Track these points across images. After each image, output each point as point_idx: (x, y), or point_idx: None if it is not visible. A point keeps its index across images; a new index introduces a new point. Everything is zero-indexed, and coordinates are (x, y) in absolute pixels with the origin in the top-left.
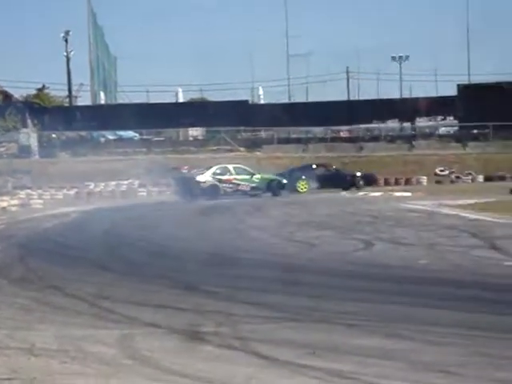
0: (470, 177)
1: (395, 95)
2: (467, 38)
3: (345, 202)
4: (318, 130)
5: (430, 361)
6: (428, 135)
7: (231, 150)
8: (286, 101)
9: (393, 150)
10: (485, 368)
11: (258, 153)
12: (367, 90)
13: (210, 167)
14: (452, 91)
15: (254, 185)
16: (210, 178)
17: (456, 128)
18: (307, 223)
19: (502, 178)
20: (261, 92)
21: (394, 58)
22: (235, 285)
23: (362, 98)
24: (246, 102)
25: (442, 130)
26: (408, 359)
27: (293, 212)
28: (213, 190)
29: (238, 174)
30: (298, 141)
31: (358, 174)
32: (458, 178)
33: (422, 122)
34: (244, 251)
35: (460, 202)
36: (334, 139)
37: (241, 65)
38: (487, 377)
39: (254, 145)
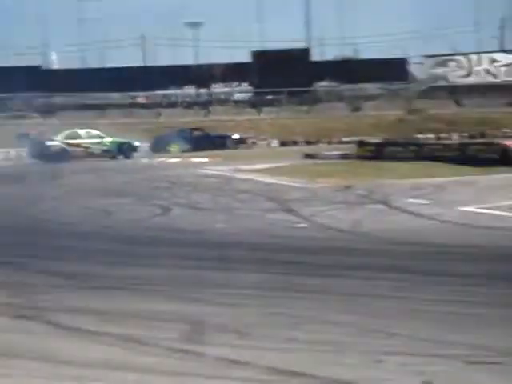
0: (265, 142)
1: (191, 61)
2: (259, 5)
3: (142, 168)
4: (115, 96)
5: (224, 322)
6: (224, 101)
7: (24, 117)
8: (80, 66)
9: (190, 116)
10: (278, 328)
11: (54, 119)
12: (163, 56)
13: (61, 131)
14: (247, 58)
15: (105, 148)
16: (59, 143)
17: (251, 94)
18: (104, 191)
19: (296, 143)
20: (54, 57)
21: (188, 24)
22: (28, 254)
23: (158, 64)
24: (39, 67)
25: (238, 96)
26: (202, 322)
27: (89, 180)
28: (62, 154)
29: (88, 137)
30: (94, 107)
31: (236, 136)
32: (253, 143)
33: (217, 88)
34: (40, 220)
35: (256, 166)
36: (131, 105)
37: (32, 29)
38: (281, 336)
39: (49, 112)
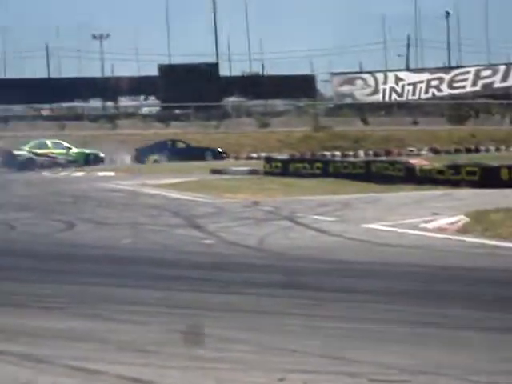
0: None
1: (97, 74)
2: (167, 19)
3: (47, 182)
4: (17, 109)
5: (128, 340)
6: (131, 115)
7: None
8: None
9: (96, 129)
10: (182, 345)
11: None
12: (68, 69)
13: (28, 141)
14: (153, 71)
15: (70, 158)
16: (26, 152)
17: (158, 108)
18: (5, 205)
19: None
20: None
21: (94, 37)
22: None
23: (63, 76)
24: None
25: (145, 110)
26: (106, 340)
27: None
28: (29, 163)
29: (55, 148)
30: None
31: (219, 149)
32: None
33: (124, 102)
34: None
35: (162, 181)
36: (35, 118)
37: None
38: (185, 354)
39: None
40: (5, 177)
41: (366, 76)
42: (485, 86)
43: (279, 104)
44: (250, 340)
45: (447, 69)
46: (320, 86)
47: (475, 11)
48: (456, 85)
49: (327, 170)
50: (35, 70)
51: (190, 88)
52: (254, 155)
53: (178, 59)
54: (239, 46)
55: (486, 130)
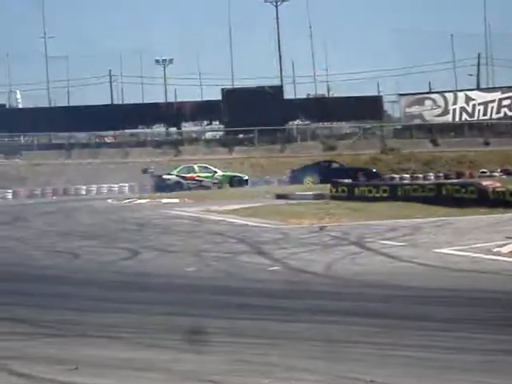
0: None
1: (160, 99)
2: (230, 42)
3: (110, 209)
4: (81, 136)
5: (192, 370)
6: (194, 140)
7: None
8: (45, 105)
9: (159, 155)
10: (248, 375)
11: (17, 160)
12: (131, 94)
13: (177, 167)
14: (217, 95)
15: (216, 181)
16: (174, 176)
17: (222, 133)
18: (70, 233)
19: (268, 182)
20: (19, 96)
21: (157, 62)
22: None
23: (126, 102)
24: (3, 106)
25: (208, 135)
26: (170, 369)
27: (55, 221)
28: (176, 186)
29: (201, 171)
30: (59, 146)
31: (373, 170)
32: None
33: (187, 127)
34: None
35: (227, 207)
36: (98, 145)
37: None
38: None
39: (13, 151)
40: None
41: (435, 96)
42: None
43: (345, 126)
44: (318, 369)
45: None
46: (387, 107)
47: None
48: None
49: (395, 193)
50: (98, 96)
51: (254, 112)
52: None
53: (241, 83)
54: (304, 69)
55: None
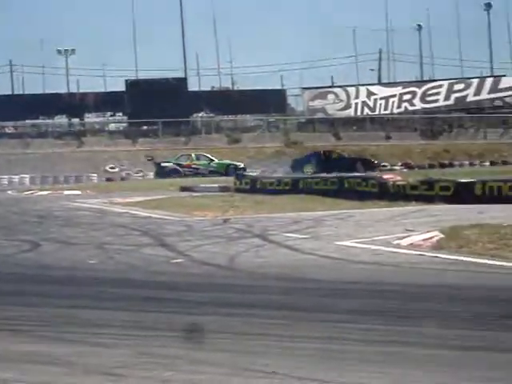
0: (140, 174)
1: (63, 90)
2: (134, 33)
3: (11, 201)
4: None
5: (95, 363)
6: (97, 131)
7: None
8: None
9: (61, 147)
10: (151, 368)
11: None
12: (33, 85)
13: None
14: (121, 87)
15: (211, 169)
16: (172, 164)
17: (125, 124)
18: None
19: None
20: None
21: (59, 52)
22: None
23: (27, 92)
24: None
25: (112, 126)
26: (72, 363)
27: None
28: (173, 172)
29: (197, 159)
30: None
31: (372, 159)
32: (128, 174)
33: (90, 118)
34: None
35: (131, 199)
36: None
37: None
38: (154, 377)
39: None
40: None
41: (337, 90)
42: (458, 100)
43: (249, 119)
44: (222, 361)
45: (420, 82)
46: (291, 101)
47: (447, 24)
48: (429, 99)
49: (297, 186)
50: None
51: (158, 103)
52: None
53: (146, 74)
54: (208, 61)
55: (459, 145)
